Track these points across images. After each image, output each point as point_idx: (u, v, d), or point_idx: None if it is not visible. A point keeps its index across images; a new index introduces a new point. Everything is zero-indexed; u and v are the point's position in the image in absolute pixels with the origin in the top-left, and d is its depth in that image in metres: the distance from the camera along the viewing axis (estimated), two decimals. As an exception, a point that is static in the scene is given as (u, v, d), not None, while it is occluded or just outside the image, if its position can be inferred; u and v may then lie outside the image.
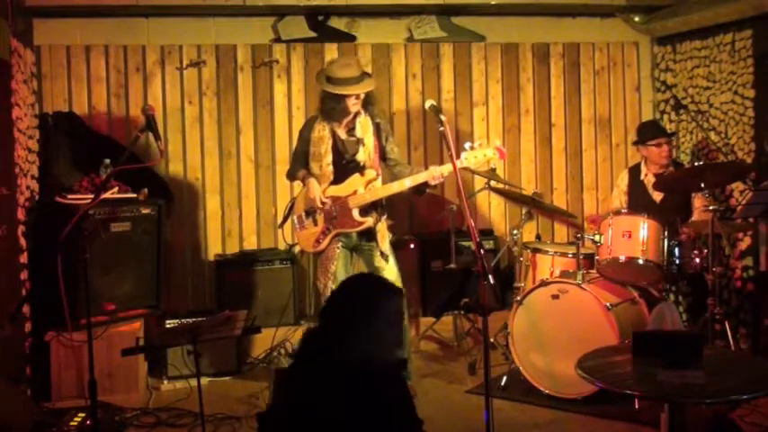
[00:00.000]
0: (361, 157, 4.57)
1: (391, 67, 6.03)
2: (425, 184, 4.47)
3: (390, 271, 4.57)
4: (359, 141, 4.57)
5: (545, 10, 6.06)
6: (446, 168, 4.39)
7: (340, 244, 4.59)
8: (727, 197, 5.45)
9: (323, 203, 4.57)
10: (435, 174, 4.37)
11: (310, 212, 4.64)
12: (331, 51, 5.91)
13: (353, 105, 4.49)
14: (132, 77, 5.68)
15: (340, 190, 4.57)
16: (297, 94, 5.91)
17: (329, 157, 4.56)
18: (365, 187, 4.55)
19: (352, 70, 4.46)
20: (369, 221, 4.56)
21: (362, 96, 4.50)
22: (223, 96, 5.83)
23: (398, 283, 4.58)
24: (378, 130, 4.61)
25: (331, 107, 4.51)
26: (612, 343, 4.08)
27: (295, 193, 5.02)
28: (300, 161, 4.72)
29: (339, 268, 4.57)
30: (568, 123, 6.33)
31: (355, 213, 4.54)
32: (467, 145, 4.28)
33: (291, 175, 4.84)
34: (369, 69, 5.82)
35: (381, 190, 4.55)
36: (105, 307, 4.72)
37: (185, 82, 5.77)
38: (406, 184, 4.46)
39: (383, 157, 4.64)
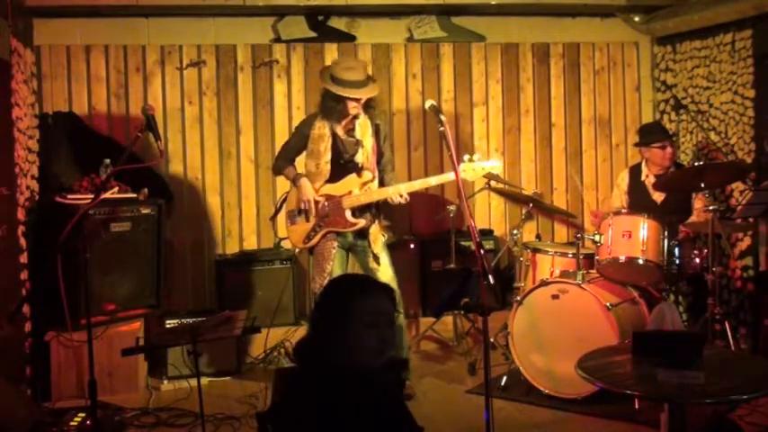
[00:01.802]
0: (360, 158, 4.56)
1: (391, 67, 6.03)
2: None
3: (384, 272, 4.56)
4: (358, 142, 4.56)
5: (545, 10, 6.06)
6: (445, 177, 4.50)
7: (336, 243, 4.58)
8: (727, 197, 5.45)
9: (315, 202, 4.56)
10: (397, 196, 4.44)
11: (303, 210, 4.63)
12: (331, 51, 5.91)
13: (353, 108, 4.48)
14: (132, 77, 5.68)
15: (335, 189, 4.57)
16: (297, 94, 5.91)
17: (327, 156, 4.55)
18: (360, 188, 4.54)
19: (358, 74, 4.45)
20: (361, 223, 4.54)
21: (363, 101, 4.49)
22: (223, 96, 5.83)
23: (393, 285, 4.58)
24: (377, 132, 4.61)
25: (331, 106, 4.50)
26: (612, 343, 4.07)
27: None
28: (290, 155, 4.72)
29: (335, 268, 4.55)
30: (568, 123, 6.33)
31: (348, 214, 4.53)
32: (465, 157, 4.28)
33: (278, 170, 4.80)
34: (369, 69, 5.82)
35: (376, 193, 4.54)
36: (105, 307, 4.72)
37: (185, 82, 5.77)
38: (402, 189, 4.46)
39: (380, 159, 4.64)
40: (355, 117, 4.54)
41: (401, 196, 4.45)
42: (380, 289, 2.41)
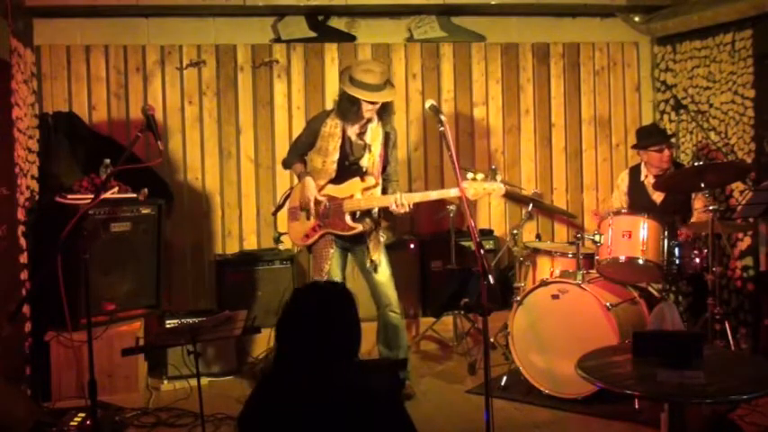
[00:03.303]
0: (365, 162, 4.54)
1: (391, 68, 6.02)
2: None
3: (382, 274, 4.55)
4: (366, 147, 4.53)
5: (545, 10, 6.06)
6: (447, 192, 4.51)
7: (334, 245, 4.57)
8: (727, 197, 5.45)
9: (317, 203, 4.55)
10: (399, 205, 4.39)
11: (304, 207, 4.63)
12: (331, 51, 5.92)
13: (367, 111, 4.43)
14: (132, 77, 5.68)
15: (337, 191, 4.55)
16: (297, 94, 5.92)
17: (335, 155, 4.53)
18: (362, 193, 4.52)
19: (375, 77, 4.38)
20: (359, 227, 4.51)
21: (378, 104, 4.45)
22: (223, 96, 5.83)
23: (390, 287, 4.58)
24: (387, 140, 4.58)
25: (346, 107, 4.45)
26: (612, 343, 4.07)
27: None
28: (300, 151, 4.71)
29: (333, 268, 4.54)
30: (568, 123, 6.33)
31: (347, 218, 4.51)
32: (469, 175, 4.24)
33: (288, 165, 4.80)
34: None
35: (377, 200, 4.51)
36: (105, 307, 4.72)
37: (185, 82, 5.77)
38: (402, 199, 4.43)
39: (386, 167, 4.62)
40: (369, 121, 4.52)
41: (402, 205, 4.38)
42: (331, 297, 2.60)
